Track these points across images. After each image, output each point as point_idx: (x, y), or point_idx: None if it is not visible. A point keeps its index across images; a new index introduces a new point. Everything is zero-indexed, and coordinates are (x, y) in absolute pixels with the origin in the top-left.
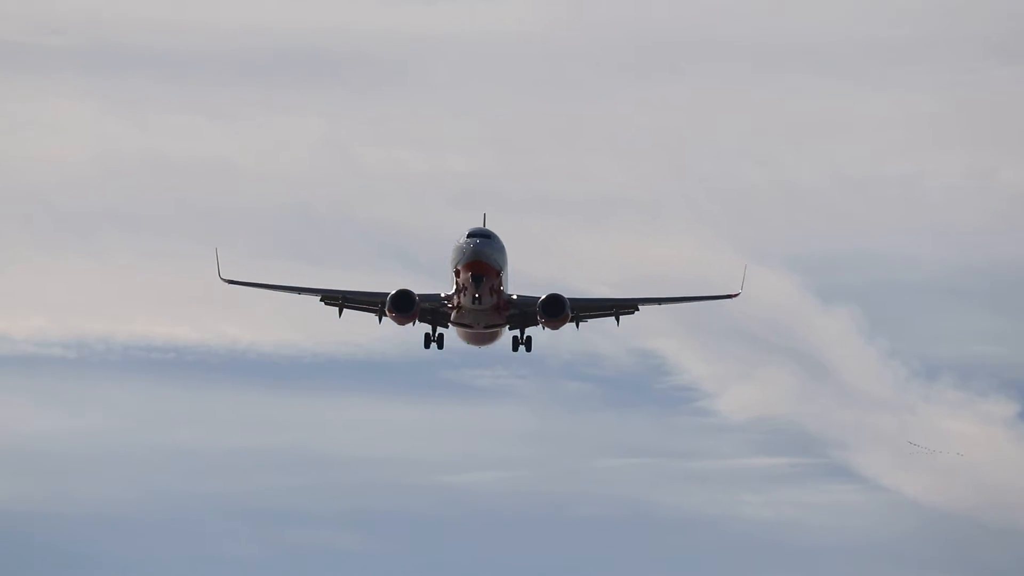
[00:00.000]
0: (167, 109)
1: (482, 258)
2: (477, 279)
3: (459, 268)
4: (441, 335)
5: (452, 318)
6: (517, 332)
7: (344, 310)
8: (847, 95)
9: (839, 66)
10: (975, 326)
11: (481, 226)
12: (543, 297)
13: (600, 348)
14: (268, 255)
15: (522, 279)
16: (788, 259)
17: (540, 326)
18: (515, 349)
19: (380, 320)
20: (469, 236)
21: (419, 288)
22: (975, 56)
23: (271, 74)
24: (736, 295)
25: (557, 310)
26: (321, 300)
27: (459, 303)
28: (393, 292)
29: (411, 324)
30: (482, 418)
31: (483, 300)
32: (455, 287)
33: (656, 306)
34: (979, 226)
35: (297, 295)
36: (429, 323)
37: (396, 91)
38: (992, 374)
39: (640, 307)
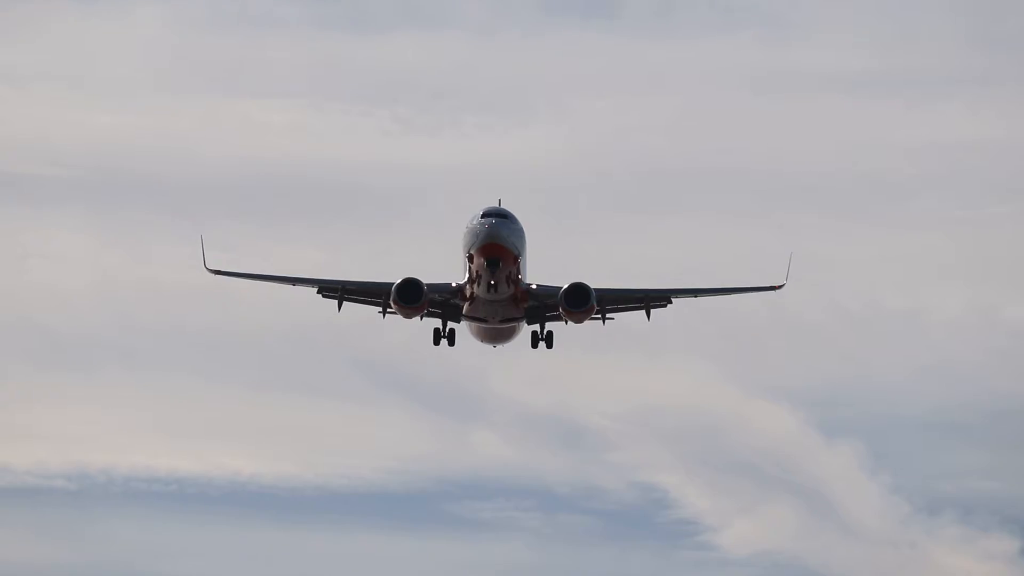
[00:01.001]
0: (167, 240)
1: (498, 240)
2: (492, 264)
3: (472, 252)
4: (452, 331)
5: (465, 311)
6: (537, 327)
7: (344, 303)
8: (847, 231)
9: (839, 201)
10: (977, 462)
11: (497, 205)
12: (566, 286)
13: (602, 481)
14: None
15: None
16: (789, 393)
17: (562, 319)
18: (535, 346)
19: (384, 314)
20: (484, 216)
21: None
22: (976, 192)
23: (271, 205)
24: (780, 287)
25: (581, 301)
26: (319, 292)
27: (472, 293)
28: (399, 281)
29: (419, 318)
30: (483, 552)
31: (499, 289)
32: (467, 275)
33: (692, 298)
34: (980, 362)
35: (291, 286)
36: (439, 317)
37: (398, 223)
38: (994, 510)
39: (674, 299)
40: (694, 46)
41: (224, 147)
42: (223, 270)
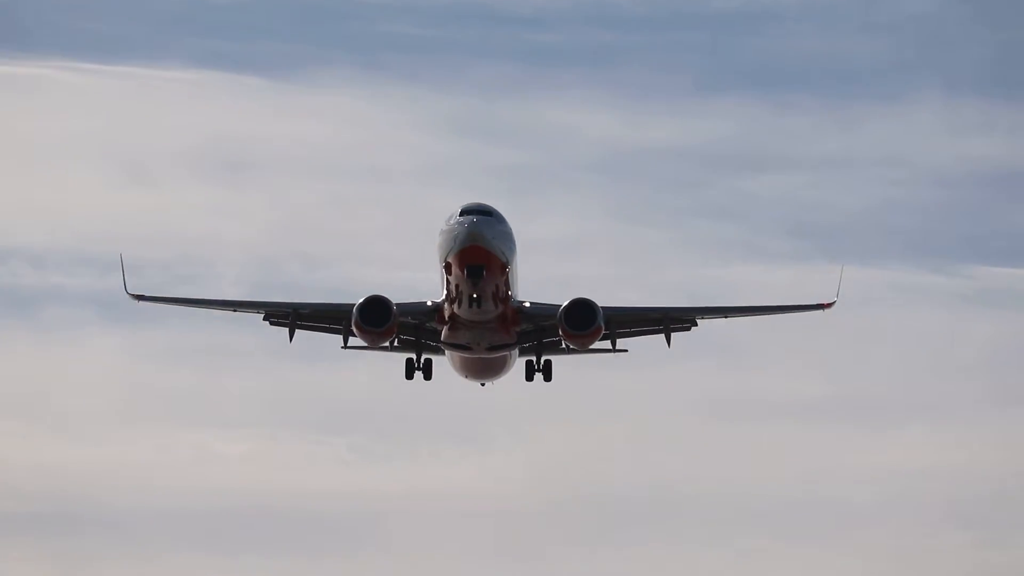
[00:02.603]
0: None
1: (481, 242)
2: (475, 273)
3: (449, 260)
4: (429, 361)
5: (444, 337)
6: (532, 357)
7: (296, 331)
8: (808, 557)
9: (799, 528)
10: None
11: (480, 202)
12: (566, 303)
13: None
14: None
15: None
16: None
17: (562, 343)
18: (529, 378)
19: (346, 342)
20: (463, 213)
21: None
22: (935, 519)
23: (227, 535)
24: (831, 304)
25: (585, 320)
26: (265, 319)
27: (452, 313)
28: (362, 299)
29: (387, 344)
30: None
31: (484, 305)
32: (445, 291)
33: (721, 319)
34: None
35: (232, 312)
36: (412, 346)
37: (358, 551)
38: None
39: (699, 320)
40: (651, 374)
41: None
42: (147, 295)
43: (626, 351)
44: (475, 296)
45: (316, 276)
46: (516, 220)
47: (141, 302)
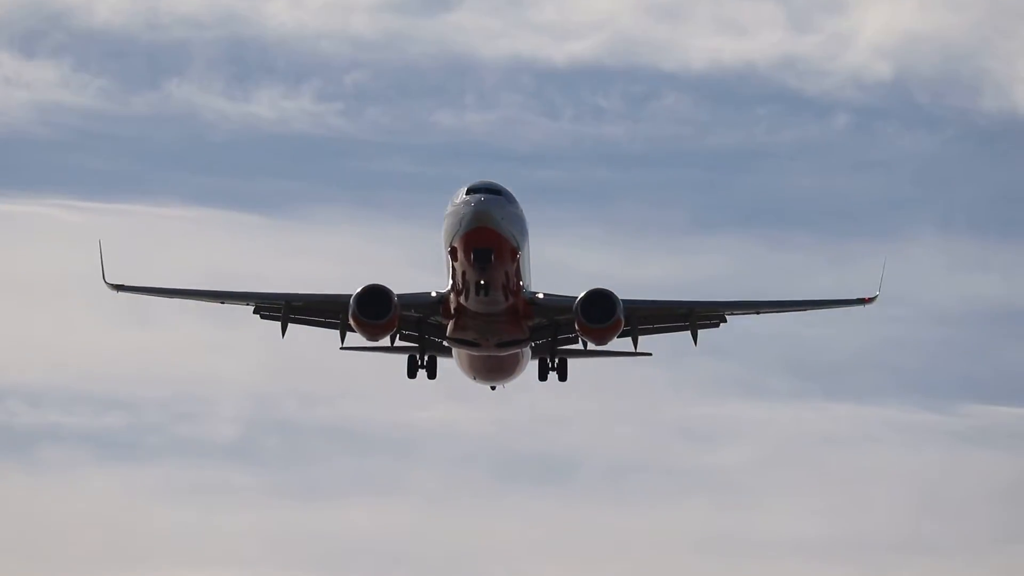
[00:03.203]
0: None
1: (490, 223)
2: (483, 257)
3: (455, 244)
4: (433, 358)
5: (450, 332)
6: (547, 354)
7: (289, 324)
8: None
9: None
10: None
11: (489, 180)
12: (583, 294)
13: None
14: None
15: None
16: None
17: (578, 340)
18: (543, 377)
19: (343, 338)
20: (470, 192)
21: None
22: None
23: None
24: (873, 299)
25: (604, 312)
26: (256, 312)
27: (458, 305)
28: (360, 289)
29: (387, 338)
30: None
31: (492, 293)
32: (451, 279)
33: (752, 315)
34: None
35: (220, 304)
36: (415, 342)
37: None
38: None
39: (728, 317)
40: (645, 511)
41: None
42: (127, 285)
43: (650, 354)
44: (483, 283)
45: (315, 413)
46: None
47: (121, 292)
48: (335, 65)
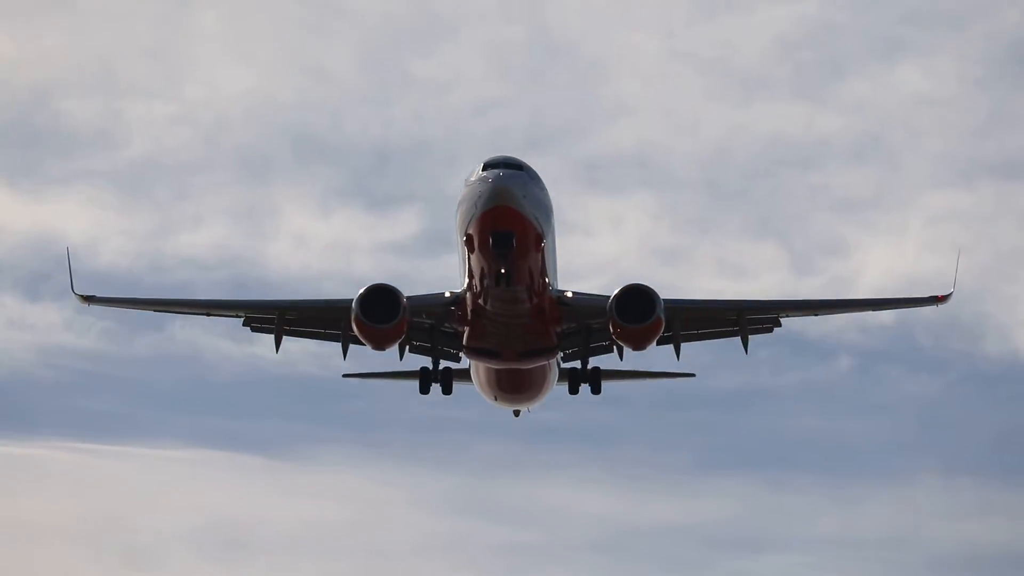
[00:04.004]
0: None
1: (511, 202)
2: (503, 241)
3: (471, 230)
4: (448, 371)
5: (466, 340)
6: (576, 363)
7: (283, 336)
8: None
9: None
10: None
11: (509, 155)
12: (617, 290)
13: None
14: None
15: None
16: None
17: (612, 348)
18: (573, 390)
19: (345, 351)
20: (487, 168)
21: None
22: None
23: None
24: (947, 297)
25: (642, 312)
26: (246, 324)
27: (476, 307)
28: (364, 289)
29: (395, 345)
30: None
31: (514, 287)
32: (467, 277)
33: (811, 316)
34: None
35: (206, 317)
36: (428, 352)
37: None
38: None
39: (783, 320)
40: None
41: None
42: (99, 296)
43: (693, 375)
44: (504, 272)
45: None
46: None
47: (92, 304)
48: None
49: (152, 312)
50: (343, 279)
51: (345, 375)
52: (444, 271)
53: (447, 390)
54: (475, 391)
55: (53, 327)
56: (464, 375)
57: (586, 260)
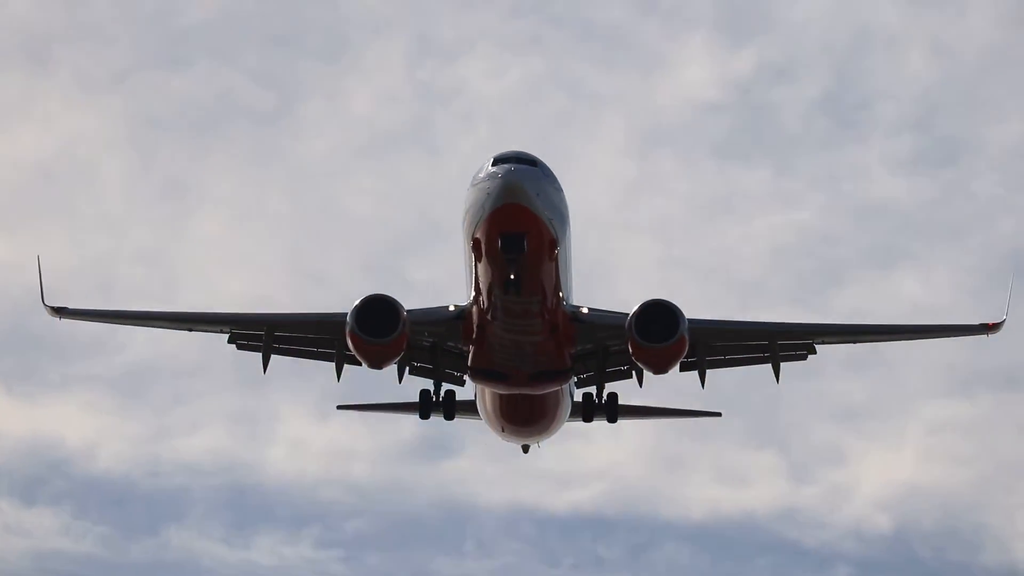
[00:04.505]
0: None
1: (523, 199)
2: (513, 244)
3: (478, 233)
4: (451, 394)
5: (471, 360)
6: (592, 388)
7: (272, 355)
8: None
9: None
10: None
11: (520, 150)
12: (637, 307)
13: None
14: None
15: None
16: None
17: (630, 373)
18: (588, 417)
19: (340, 372)
20: (497, 162)
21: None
22: None
23: None
24: (998, 325)
25: (664, 331)
26: (231, 341)
27: (482, 322)
28: (359, 300)
29: (393, 364)
30: None
31: (524, 291)
32: (473, 289)
33: (850, 344)
34: None
35: (187, 332)
36: (430, 374)
37: None
38: None
39: (818, 347)
40: None
41: None
42: (71, 308)
43: (719, 414)
44: (513, 278)
45: None
46: None
47: (64, 318)
48: (335, 512)
49: (148, 521)
50: (341, 486)
51: (340, 407)
52: (444, 478)
53: (449, 415)
54: (481, 425)
55: (49, 532)
56: (470, 408)
57: (583, 466)
